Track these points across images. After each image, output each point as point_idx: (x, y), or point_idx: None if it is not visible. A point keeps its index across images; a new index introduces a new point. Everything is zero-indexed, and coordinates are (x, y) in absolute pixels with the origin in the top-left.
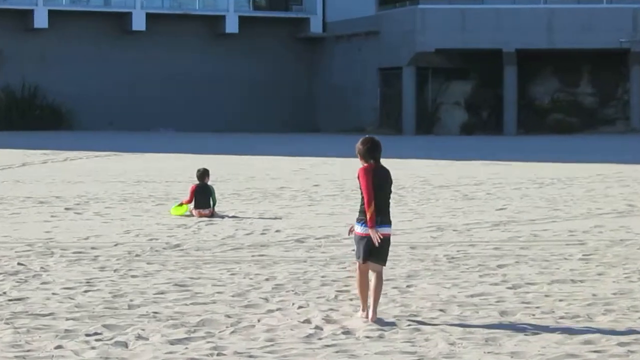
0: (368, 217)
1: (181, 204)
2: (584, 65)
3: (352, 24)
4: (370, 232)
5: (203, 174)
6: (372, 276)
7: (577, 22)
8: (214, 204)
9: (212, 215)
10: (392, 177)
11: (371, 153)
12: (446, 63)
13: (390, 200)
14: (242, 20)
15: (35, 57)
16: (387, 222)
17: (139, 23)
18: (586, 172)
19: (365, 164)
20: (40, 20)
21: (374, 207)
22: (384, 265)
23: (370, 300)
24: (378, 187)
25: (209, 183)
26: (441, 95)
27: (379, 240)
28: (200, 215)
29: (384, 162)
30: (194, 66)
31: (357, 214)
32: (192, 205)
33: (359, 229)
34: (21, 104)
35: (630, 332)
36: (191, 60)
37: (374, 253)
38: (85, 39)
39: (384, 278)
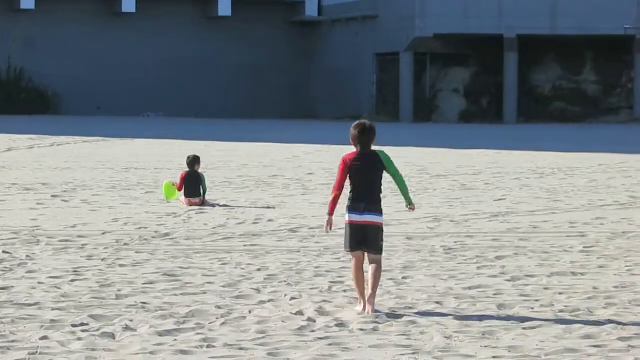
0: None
1: (174, 184)
2: (587, 52)
3: (349, 8)
4: (326, 219)
5: (193, 161)
6: (369, 266)
7: (581, 7)
8: (204, 192)
9: (203, 203)
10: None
11: (359, 138)
12: (445, 49)
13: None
14: (235, 3)
15: (22, 39)
16: (374, 211)
17: (129, 5)
18: (588, 163)
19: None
20: (27, 0)
21: (336, 196)
22: (379, 254)
23: (368, 291)
24: (360, 173)
25: (200, 170)
26: (440, 81)
27: (328, 230)
28: (191, 204)
29: (383, 149)
30: (185, 50)
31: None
32: (181, 193)
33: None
34: (6, 87)
35: (631, 326)
36: (182, 43)
37: (366, 242)
38: (74, 21)
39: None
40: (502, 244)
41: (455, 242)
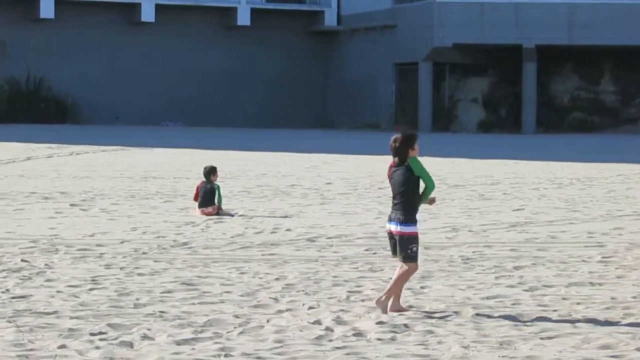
0: None
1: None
2: (606, 63)
3: (367, 18)
4: None
5: (209, 171)
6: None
7: (599, 17)
8: (219, 203)
9: (218, 213)
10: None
11: (392, 151)
12: (464, 58)
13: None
14: (255, 12)
15: (41, 49)
16: (401, 220)
17: (148, 14)
18: (607, 173)
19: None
20: (46, 10)
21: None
22: (407, 261)
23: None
24: (391, 183)
25: (218, 180)
26: (458, 91)
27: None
28: (203, 214)
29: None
30: (204, 59)
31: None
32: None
33: None
34: (25, 96)
35: None
36: (201, 52)
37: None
38: (93, 30)
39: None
40: (520, 254)
41: (473, 252)
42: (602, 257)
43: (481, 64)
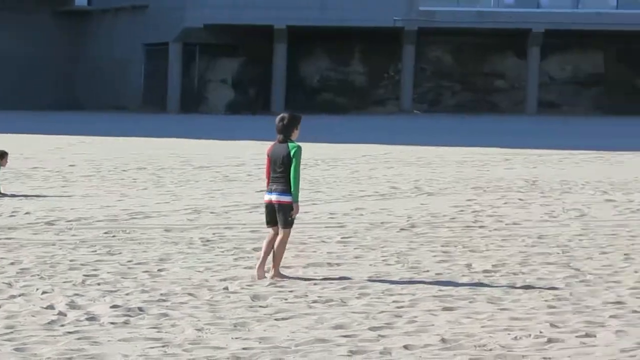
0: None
1: None
2: (356, 44)
3: None
4: None
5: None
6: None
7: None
8: None
9: None
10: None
11: (278, 129)
12: (215, 39)
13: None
14: None
15: None
16: (280, 191)
17: None
18: (351, 153)
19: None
20: None
21: (267, 179)
22: (283, 227)
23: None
24: (272, 162)
25: None
26: (209, 72)
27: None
28: None
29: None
30: None
31: None
32: None
33: None
34: None
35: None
36: None
37: (277, 220)
38: None
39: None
40: (261, 234)
41: (214, 233)
42: (342, 238)
43: (232, 45)
